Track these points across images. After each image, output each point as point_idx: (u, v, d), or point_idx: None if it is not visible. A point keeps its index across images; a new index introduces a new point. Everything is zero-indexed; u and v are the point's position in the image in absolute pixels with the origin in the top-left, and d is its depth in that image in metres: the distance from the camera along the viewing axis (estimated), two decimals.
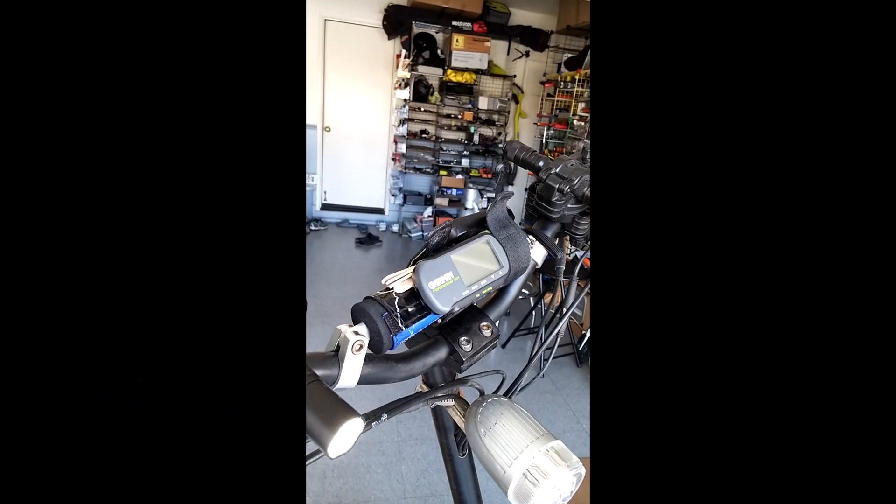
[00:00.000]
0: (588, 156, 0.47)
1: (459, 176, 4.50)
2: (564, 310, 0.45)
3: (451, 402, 0.45)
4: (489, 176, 4.56)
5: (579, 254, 0.56)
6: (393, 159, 4.51)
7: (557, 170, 0.45)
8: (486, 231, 0.40)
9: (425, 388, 0.47)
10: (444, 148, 4.51)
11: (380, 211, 4.83)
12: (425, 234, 4.44)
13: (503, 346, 2.71)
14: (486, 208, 0.42)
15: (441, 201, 4.46)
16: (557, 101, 4.10)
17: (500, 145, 4.50)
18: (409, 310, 0.34)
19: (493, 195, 4.52)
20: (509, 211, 0.43)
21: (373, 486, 1.67)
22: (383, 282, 0.35)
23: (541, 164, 0.47)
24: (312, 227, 4.30)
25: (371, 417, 0.33)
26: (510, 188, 4.60)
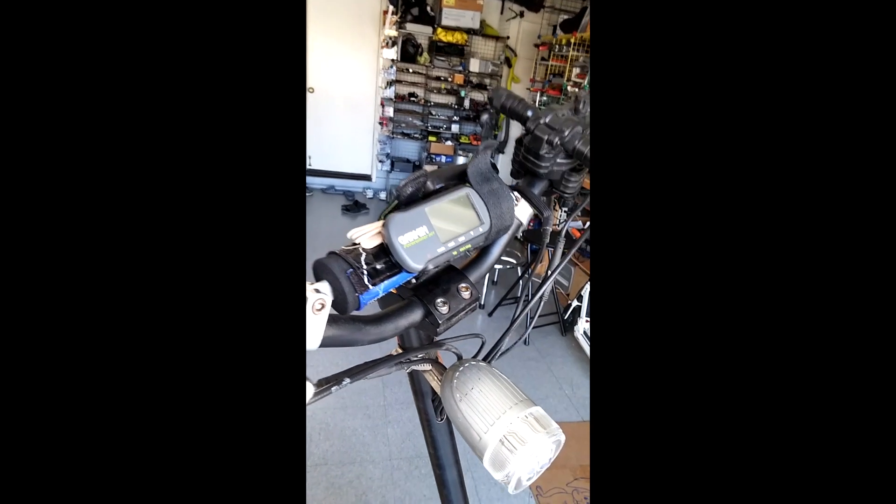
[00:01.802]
0: (581, 106, 0.43)
1: (449, 142, 4.39)
2: (549, 272, 0.43)
3: (427, 367, 0.43)
4: (479, 142, 4.46)
5: (571, 224, 0.53)
6: (380, 123, 4.37)
7: (547, 119, 0.41)
8: (467, 184, 0.37)
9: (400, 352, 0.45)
10: (434, 112, 4.38)
11: (366, 178, 4.73)
12: None
13: (490, 314, 2.72)
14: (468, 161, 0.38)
15: (430, 168, 4.37)
16: (552, 65, 3.98)
17: (492, 111, 4.38)
18: (378, 267, 0.31)
19: None
20: (493, 164, 0.39)
21: (359, 447, 1.69)
22: (349, 235, 0.31)
23: (529, 113, 0.43)
24: None
25: (331, 382, 0.31)
26: (500, 156, 4.51)
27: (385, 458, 1.66)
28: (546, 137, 0.41)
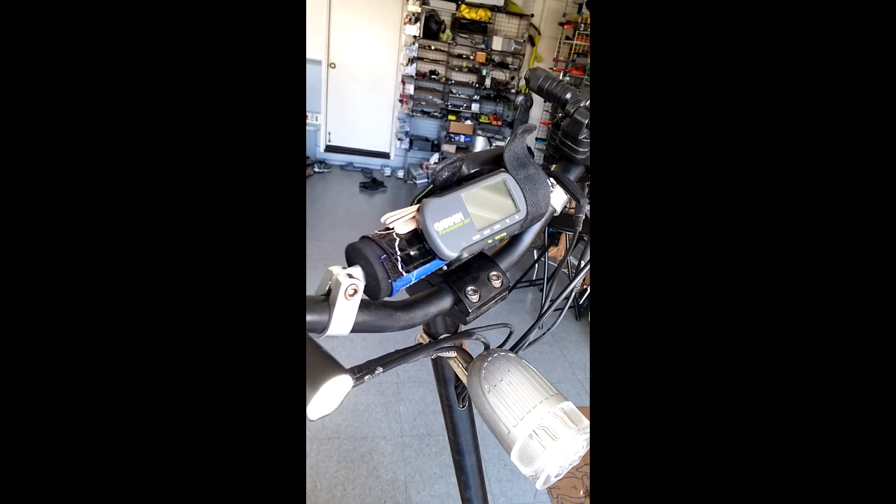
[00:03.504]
0: None
1: (468, 122, 4.32)
2: (582, 264, 0.41)
3: (452, 354, 0.43)
4: (499, 123, 4.38)
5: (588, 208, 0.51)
6: (400, 101, 4.32)
7: (587, 102, 0.39)
8: (503, 169, 0.35)
9: (426, 338, 0.44)
10: (454, 91, 4.30)
11: (385, 155, 4.70)
12: None
13: None
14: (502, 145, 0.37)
15: (448, 148, 4.32)
16: (576, 44, 3.85)
17: (513, 90, 4.28)
18: (412, 253, 0.30)
19: (502, 144, 4.36)
20: (529, 149, 0.38)
21: (371, 423, 1.72)
22: (383, 220, 0.30)
23: (568, 95, 0.41)
24: (316, 170, 4.20)
25: (364, 371, 0.30)
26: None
27: (396, 435, 1.69)
28: (586, 122, 0.39)
